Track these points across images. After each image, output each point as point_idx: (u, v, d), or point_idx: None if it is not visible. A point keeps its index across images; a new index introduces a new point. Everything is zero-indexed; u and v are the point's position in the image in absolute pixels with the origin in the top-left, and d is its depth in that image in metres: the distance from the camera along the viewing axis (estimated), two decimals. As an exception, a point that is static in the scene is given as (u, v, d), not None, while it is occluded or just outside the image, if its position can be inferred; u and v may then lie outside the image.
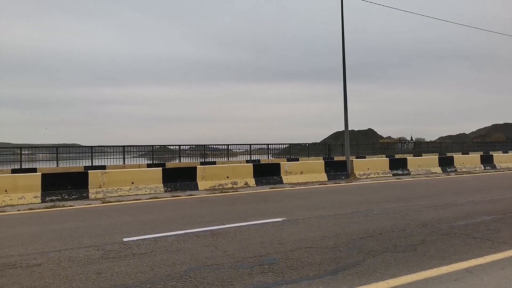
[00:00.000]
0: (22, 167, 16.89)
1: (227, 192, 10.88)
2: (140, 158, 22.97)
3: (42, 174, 9.48)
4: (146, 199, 9.61)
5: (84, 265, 4.30)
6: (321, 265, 4.15)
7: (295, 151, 27.82)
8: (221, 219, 6.74)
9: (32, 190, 9.11)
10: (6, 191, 8.82)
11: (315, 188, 11.59)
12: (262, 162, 22.00)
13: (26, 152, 19.05)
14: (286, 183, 12.69)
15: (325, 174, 13.90)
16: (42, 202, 9.01)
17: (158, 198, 9.80)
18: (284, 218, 6.69)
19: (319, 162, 14.58)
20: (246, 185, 12.05)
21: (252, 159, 24.18)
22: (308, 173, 13.54)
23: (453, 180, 13.61)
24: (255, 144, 25.41)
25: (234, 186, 11.86)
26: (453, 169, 16.83)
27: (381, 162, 15.74)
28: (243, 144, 25.14)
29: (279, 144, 26.71)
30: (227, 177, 12.00)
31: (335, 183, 12.80)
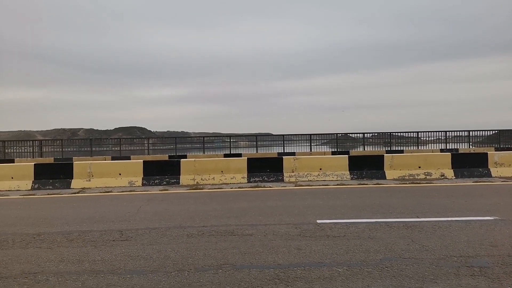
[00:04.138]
0: (231, 152, 20.31)
1: (419, 183, 10.04)
2: (323, 146, 23.77)
3: (247, 158, 11.17)
4: (333, 185, 9.93)
5: (286, 239, 4.85)
6: (557, 279, 3.35)
7: (505, 138, 22.87)
8: (414, 211, 6.30)
9: (240, 171, 10.84)
10: (222, 171, 10.82)
11: (540, 185, 9.29)
12: (461, 151, 19.18)
13: (232, 140, 22.71)
14: (495, 177, 10.68)
15: (554, 168, 10.94)
16: (247, 182, 10.61)
17: (344, 185, 9.96)
18: (496, 217, 5.68)
19: (545, 152, 11.57)
20: (442, 177, 10.80)
21: (447, 147, 21.35)
22: (528, 165, 10.96)
23: None
24: (450, 131, 22.30)
25: (428, 177, 10.82)
26: None
27: None
28: (435, 131, 22.43)
29: (483, 130, 22.54)
30: (419, 167, 11.04)
31: None
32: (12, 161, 17.77)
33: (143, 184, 10.52)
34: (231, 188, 9.81)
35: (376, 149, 22.79)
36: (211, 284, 3.48)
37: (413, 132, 22.93)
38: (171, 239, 4.99)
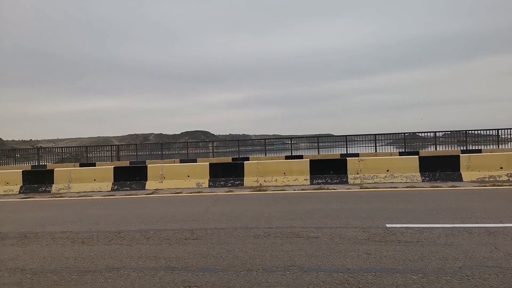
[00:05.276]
0: (292, 154, 20.27)
1: (501, 185, 9.14)
2: (389, 146, 22.64)
3: (310, 160, 11.07)
4: (402, 187, 9.44)
5: (353, 243, 4.72)
6: None
7: None
8: (498, 216, 5.76)
9: (303, 173, 10.79)
10: (284, 173, 10.86)
11: None
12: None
13: (293, 142, 22.66)
14: None
15: None
16: (310, 184, 10.52)
17: (415, 187, 9.41)
18: None
19: None
20: (529, 178, 9.70)
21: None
22: None
23: None
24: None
25: (511, 179, 9.79)
26: None
27: None
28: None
29: None
30: (501, 168, 10.05)
31: None
32: (94, 164, 19.60)
33: (209, 186, 10.96)
34: (293, 190, 9.80)
35: (449, 148, 21.17)
36: (280, 285, 3.52)
37: (492, 129, 20.89)
38: (238, 239, 5.13)
